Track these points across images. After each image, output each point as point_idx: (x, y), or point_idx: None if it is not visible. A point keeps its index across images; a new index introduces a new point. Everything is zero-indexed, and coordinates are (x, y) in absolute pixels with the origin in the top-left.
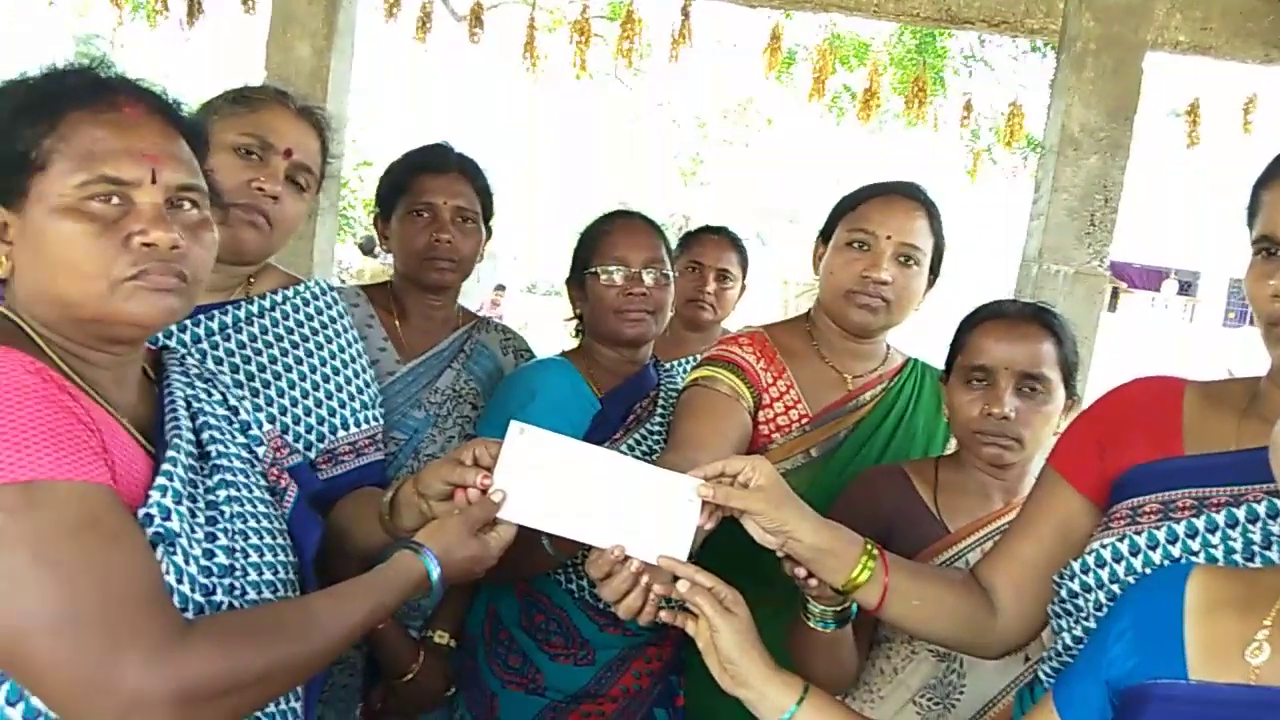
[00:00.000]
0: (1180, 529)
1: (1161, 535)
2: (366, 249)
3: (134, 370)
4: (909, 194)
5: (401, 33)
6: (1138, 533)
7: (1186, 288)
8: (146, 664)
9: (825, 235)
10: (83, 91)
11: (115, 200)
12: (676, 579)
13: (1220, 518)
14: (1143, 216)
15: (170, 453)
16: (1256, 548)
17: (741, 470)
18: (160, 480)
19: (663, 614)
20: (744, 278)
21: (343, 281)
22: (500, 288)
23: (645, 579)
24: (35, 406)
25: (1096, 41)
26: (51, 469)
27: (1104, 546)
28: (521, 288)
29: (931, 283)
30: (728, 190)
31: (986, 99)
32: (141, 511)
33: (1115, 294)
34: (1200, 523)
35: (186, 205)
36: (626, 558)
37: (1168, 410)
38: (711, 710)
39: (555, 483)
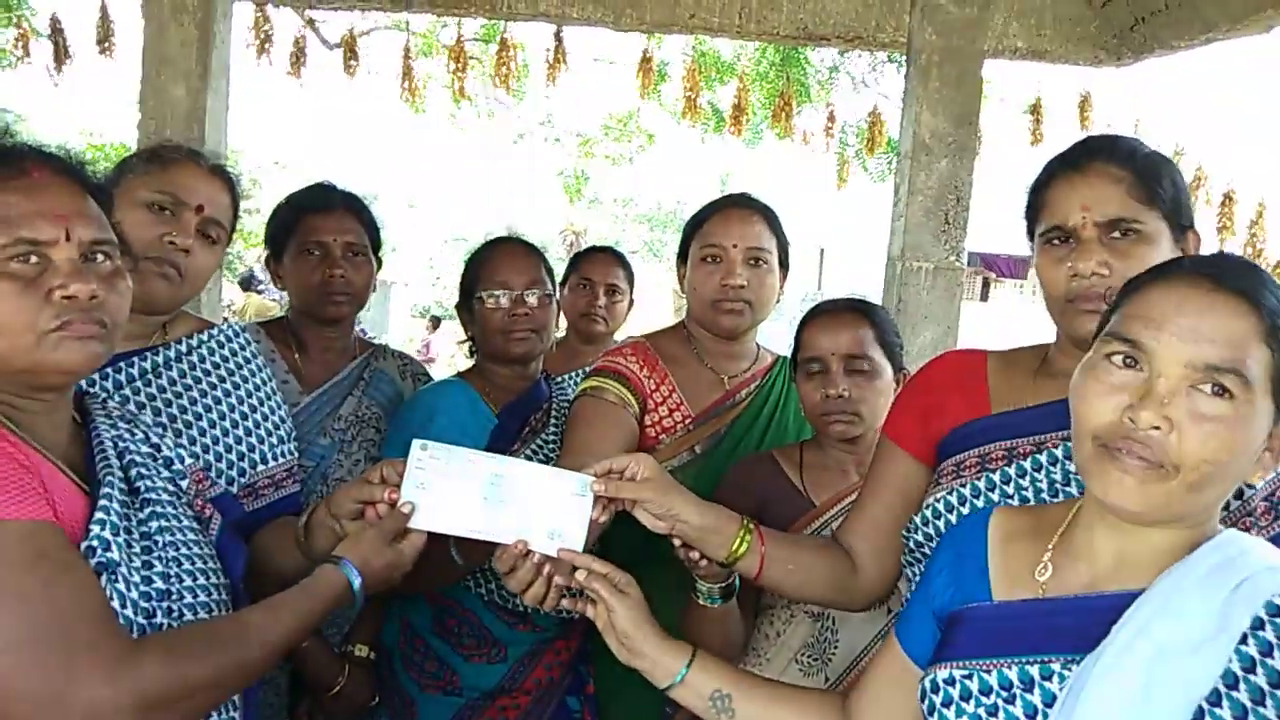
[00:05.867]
0: (996, 477)
1: (982, 484)
2: (245, 284)
3: (64, 415)
4: (744, 204)
5: (276, 70)
6: (963, 485)
7: None
8: (104, 678)
9: (683, 256)
10: None
11: (34, 259)
12: (574, 569)
13: (1028, 464)
14: (1009, 210)
15: (105, 489)
16: (1059, 485)
17: (627, 466)
18: (99, 515)
19: (564, 601)
20: (631, 291)
21: (225, 320)
22: (435, 319)
23: (547, 569)
24: None
25: (939, 54)
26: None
27: (938, 500)
28: (413, 313)
29: (784, 276)
30: (616, 206)
31: (850, 109)
32: (84, 544)
33: (987, 285)
34: (1012, 470)
35: (100, 258)
36: (528, 552)
37: (974, 378)
38: (619, 695)
39: (458, 490)
